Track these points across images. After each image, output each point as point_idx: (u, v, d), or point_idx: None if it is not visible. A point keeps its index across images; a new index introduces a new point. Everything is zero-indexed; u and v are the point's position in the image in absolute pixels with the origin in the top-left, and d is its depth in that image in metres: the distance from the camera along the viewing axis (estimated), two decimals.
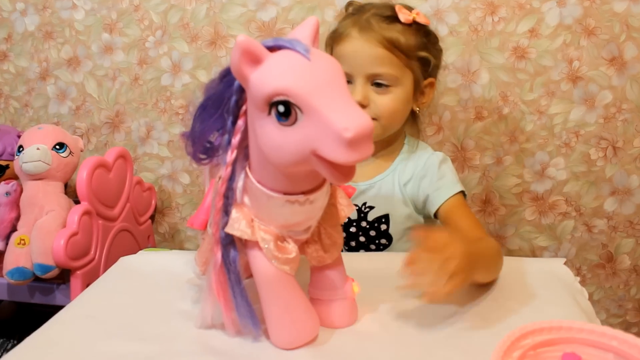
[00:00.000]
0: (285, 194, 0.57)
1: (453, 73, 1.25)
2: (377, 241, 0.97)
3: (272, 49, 0.52)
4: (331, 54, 0.94)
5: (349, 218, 0.98)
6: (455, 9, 1.22)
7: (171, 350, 0.63)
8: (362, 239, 0.98)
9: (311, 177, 0.57)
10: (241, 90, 0.55)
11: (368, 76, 0.88)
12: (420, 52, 0.91)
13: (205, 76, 1.36)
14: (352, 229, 0.98)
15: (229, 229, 0.59)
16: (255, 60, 0.51)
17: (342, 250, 0.70)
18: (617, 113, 1.23)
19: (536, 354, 0.52)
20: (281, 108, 0.50)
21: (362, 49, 0.88)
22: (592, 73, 1.22)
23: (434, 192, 0.92)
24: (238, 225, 0.59)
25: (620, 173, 1.27)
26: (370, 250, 0.99)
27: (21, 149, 1.18)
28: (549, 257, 1.34)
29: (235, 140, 0.57)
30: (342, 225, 0.98)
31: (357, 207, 0.96)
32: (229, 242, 0.60)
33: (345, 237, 0.97)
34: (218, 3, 1.31)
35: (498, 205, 1.33)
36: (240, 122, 0.56)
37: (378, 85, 0.89)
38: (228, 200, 0.59)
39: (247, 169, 0.58)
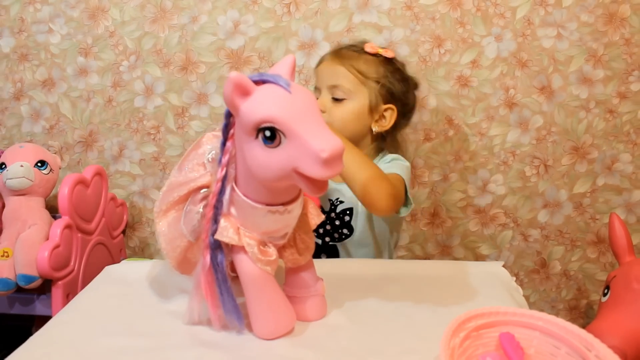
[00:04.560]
0: (267, 205, 0.65)
1: None
2: (340, 230, 1.09)
3: (258, 82, 0.61)
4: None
5: (321, 208, 1.09)
6: (406, 42, 1.34)
7: (166, 344, 0.70)
8: (328, 227, 1.09)
9: (289, 190, 0.66)
10: (229, 116, 0.64)
11: (329, 87, 1.04)
12: (379, 77, 1.04)
13: (177, 99, 1.42)
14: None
15: (218, 236, 0.67)
16: (245, 92, 0.59)
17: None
18: (547, 135, 1.37)
19: (478, 334, 0.63)
20: (268, 133, 0.58)
21: (329, 66, 1.06)
22: (525, 100, 1.36)
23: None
24: (226, 232, 0.67)
25: (551, 188, 1.41)
26: (334, 237, 1.09)
27: (3, 165, 1.22)
28: None
29: (225, 159, 0.66)
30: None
31: (331, 201, 1.09)
32: (217, 247, 0.68)
33: None
34: (190, 31, 1.38)
35: (445, 218, 1.45)
36: (228, 144, 0.65)
37: (336, 99, 1.03)
38: (218, 210, 0.67)
39: (234, 184, 0.67)
